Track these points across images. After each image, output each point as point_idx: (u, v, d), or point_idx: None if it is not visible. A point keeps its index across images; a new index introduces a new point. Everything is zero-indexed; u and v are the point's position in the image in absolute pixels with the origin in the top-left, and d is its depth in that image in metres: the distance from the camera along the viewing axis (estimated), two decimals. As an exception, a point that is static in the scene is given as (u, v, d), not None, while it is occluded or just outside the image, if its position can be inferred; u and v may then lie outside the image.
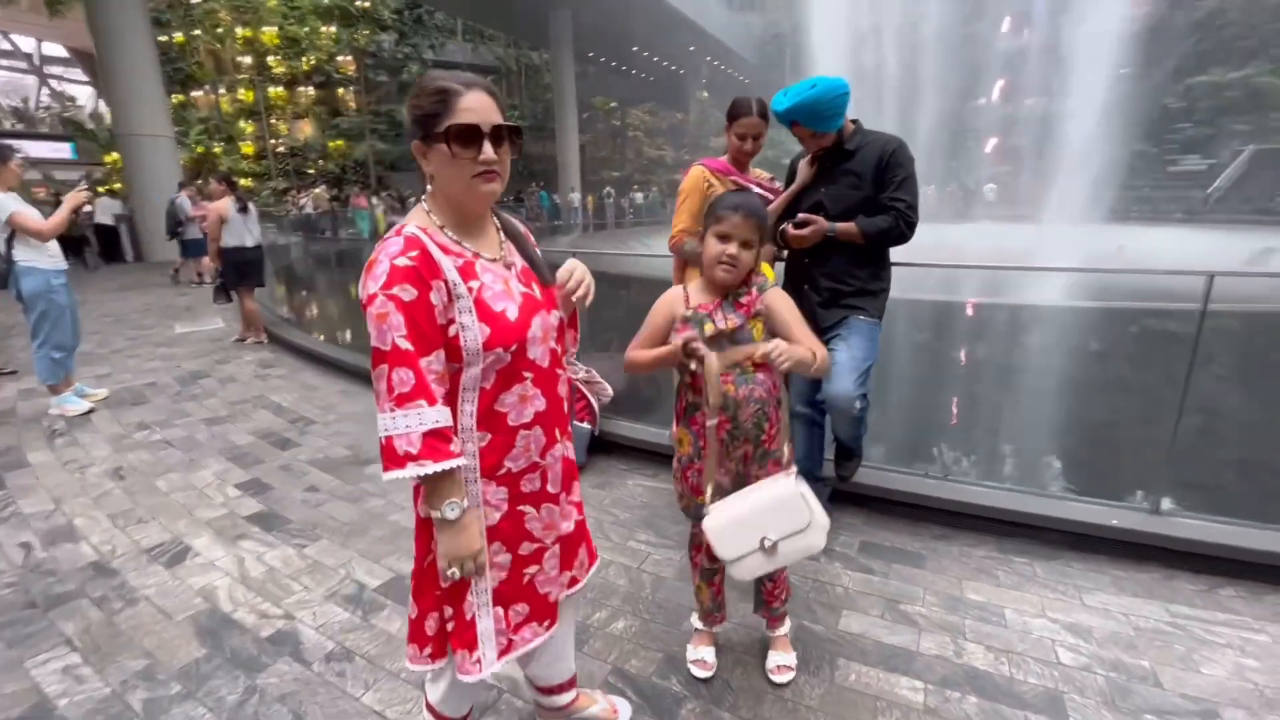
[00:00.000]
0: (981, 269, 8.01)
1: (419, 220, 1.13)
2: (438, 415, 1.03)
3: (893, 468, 2.85)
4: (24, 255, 3.94)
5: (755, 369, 1.65)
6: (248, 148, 24.79)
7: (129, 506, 2.95)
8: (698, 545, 1.84)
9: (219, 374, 5.21)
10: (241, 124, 25.13)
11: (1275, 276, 4.87)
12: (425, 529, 1.20)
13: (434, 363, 1.06)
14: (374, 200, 18.53)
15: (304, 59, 25.39)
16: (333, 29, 25.04)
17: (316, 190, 22.85)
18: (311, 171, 26.30)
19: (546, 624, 1.29)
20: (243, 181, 19.02)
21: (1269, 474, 3.37)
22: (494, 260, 1.17)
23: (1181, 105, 22.31)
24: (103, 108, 24.46)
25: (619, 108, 39.23)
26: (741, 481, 1.74)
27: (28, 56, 32.88)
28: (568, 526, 1.34)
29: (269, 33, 24.30)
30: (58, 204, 4.69)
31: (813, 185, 2.45)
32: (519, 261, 1.23)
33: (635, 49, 32.97)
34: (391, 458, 1.03)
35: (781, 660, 1.84)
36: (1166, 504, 2.40)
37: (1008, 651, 1.91)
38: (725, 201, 1.63)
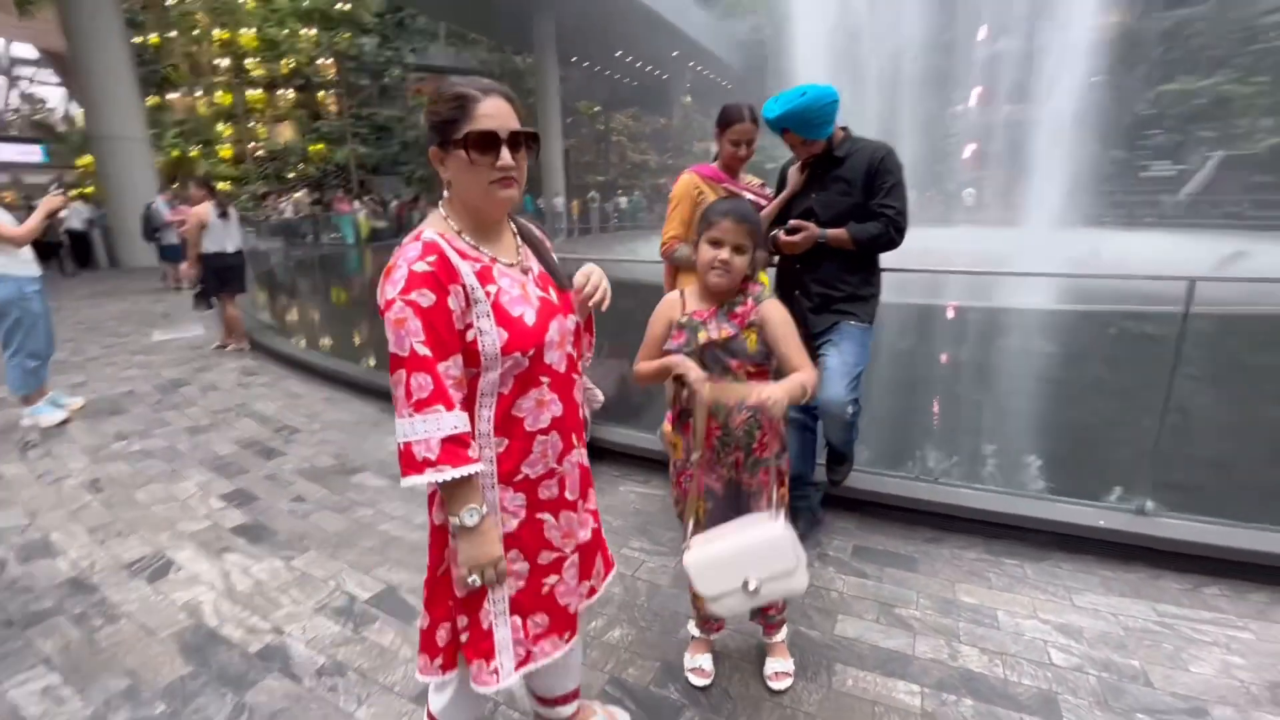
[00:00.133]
0: (970, 274, 8.13)
1: (436, 225, 1.13)
2: (456, 420, 1.03)
3: (884, 471, 2.87)
4: (-4, 262, 3.83)
5: (749, 377, 1.65)
6: (225, 151, 24.41)
7: (108, 520, 2.88)
8: None
9: (200, 382, 5.11)
10: (219, 127, 24.75)
11: (1255, 282, 4.99)
12: (439, 537, 1.19)
13: (452, 368, 1.05)
14: (356, 204, 18.32)
15: (283, 62, 25.08)
16: (312, 32, 24.77)
17: (297, 194, 22.54)
18: (291, 175, 25.95)
19: (567, 636, 1.28)
20: (221, 185, 18.74)
21: (1248, 474, 3.45)
22: (511, 265, 1.17)
23: (1152, 112, 22.86)
24: (75, 110, 23.95)
25: (603, 112, 39.27)
26: (734, 487, 1.75)
27: (-4, 57, 32.07)
28: (585, 535, 1.33)
29: (247, 35, 23.99)
30: (29, 210, 4.57)
31: (803, 192, 2.47)
32: (536, 266, 1.23)
33: (619, 53, 33.03)
34: (410, 463, 1.02)
35: (779, 667, 1.84)
36: (1151, 505, 2.45)
37: (1001, 653, 1.93)
38: (717, 208, 1.64)
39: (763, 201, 2.58)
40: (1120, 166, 22.56)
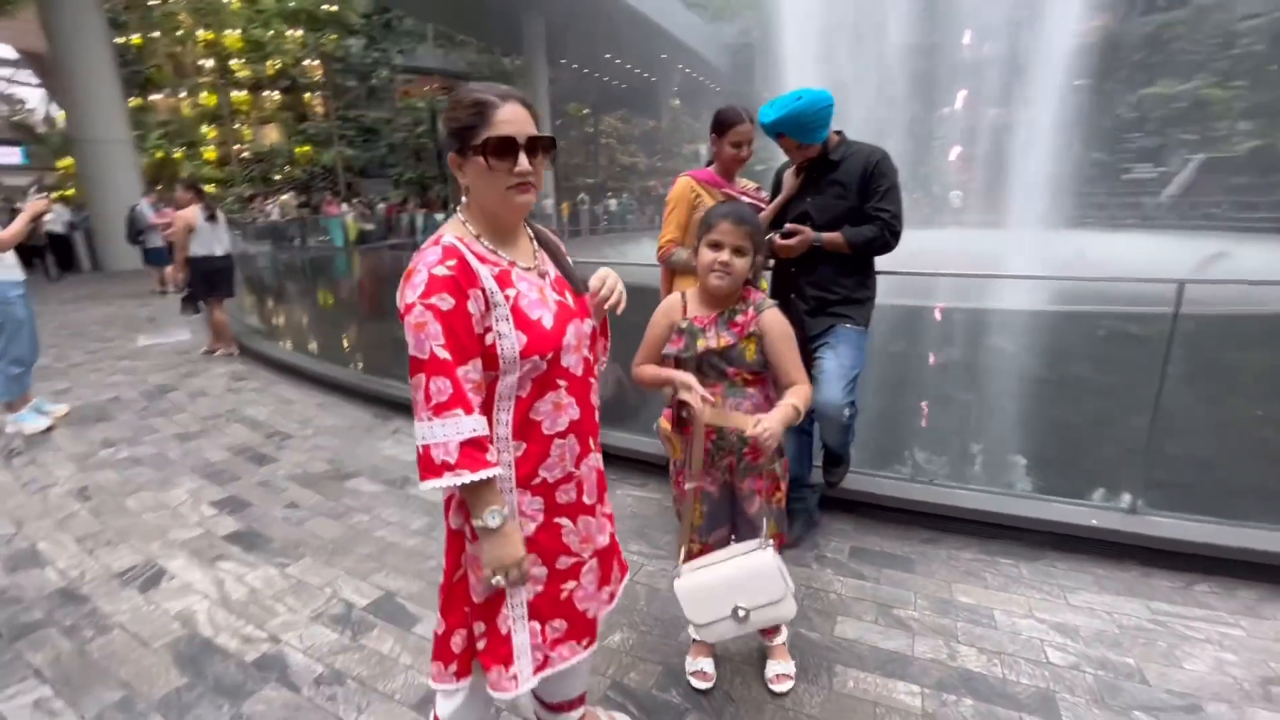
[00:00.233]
0: (966, 277, 8.18)
1: (455, 230, 1.14)
2: (475, 424, 1.03)
3: (880, 473, 2.89)
4: (-21, 266, 3.77)
5: (746, 384, 1.66)
6: (210, 153, 24.14)
7: (97, 528, 2.83)
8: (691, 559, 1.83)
9: (188, 388, 5.05)
10: (203, 129, 24.47)
11: (1243, 284, 5.07)
12: (455, 542, 1.20)
13: (471, 372, 1.06)
14: (344, 207, 18.18)
15: (269, 63, 24.85)
16: (298, 33, 24.56)
17: (284, 197, 22.32)
18: (278, 178, 25.72)
19: (585, 642, 1.28)
20: (206, 188, 18.51)
21: (1235, 472, 3.51)
22: (529, 269, 1.18)
23: (1134, 116, 23.21)
24: (55, 111, 23.59)
25: (592, 114, 39.31)
26: (728, 490, 1.76)
27: (-27, 58, 31.52)
28: (604, 540, 1.34)
29: (232, 36, 23.74)
30: (11, 213, 4.49)
31: (799, 196, 2.49)
32: (552, 270, 1.24)
33: (608, 56, 33.05)
34: (429, 467, 1.03)
35: (780, 669, 1.85)
36: (1142, 503, 2.48)
37: (999, 653, 1.95)
38: (717, 211, 1.65)
39: (759, 205, 2.59)
40: (1103, 169, 22.89)
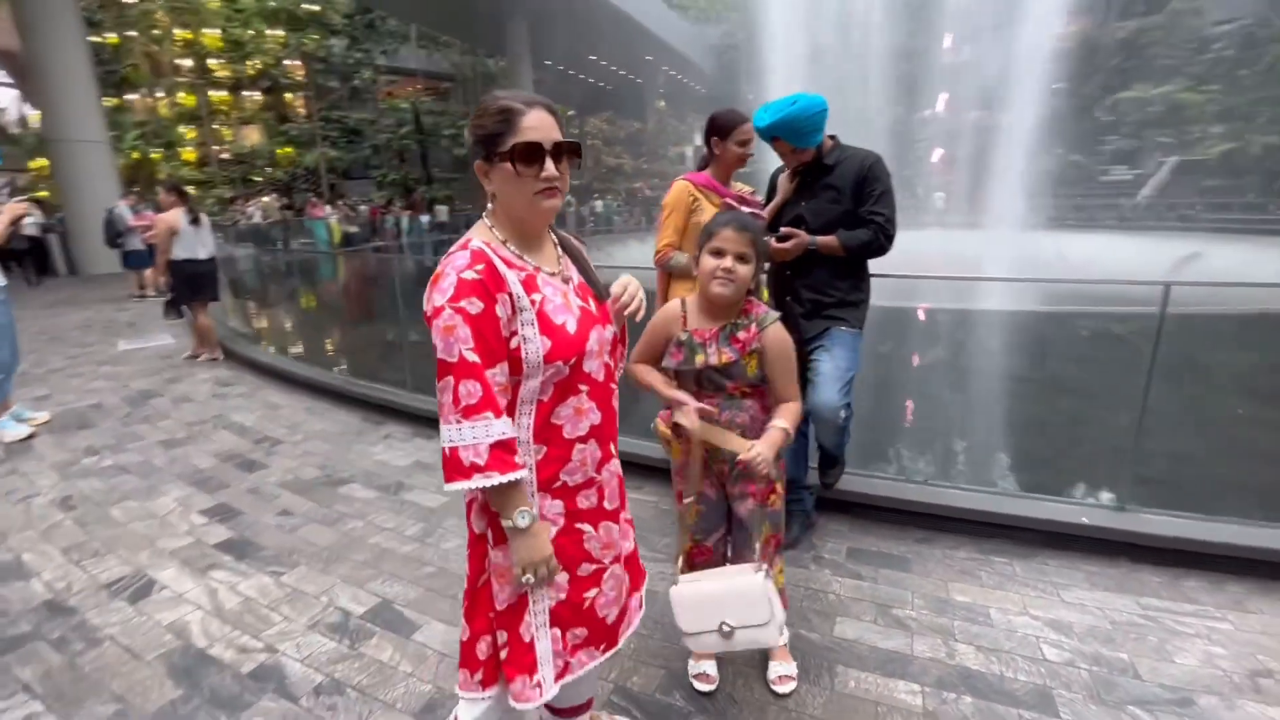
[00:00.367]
0: (958, 280, 8.27)
1: (482, 235, 1.15)
2: (504, 427, 1.05)
3: (874, 473, 2.92)
4: (-44, 271, 3.68)
5: (744, 396, 1.67)
6: (189, 154, 23.76)
7: (83, 539, 2.77)
8: (690, 558, 1.85)
9: (172, 393, 4.96)
10: (181, 129, 24.07)
11: (1228, 286, 5.20)
12: (478, 548, 1.19)
13: (498, 375, 1.07)
14: (329, 209, 17.96)
15: (249, 63, 24.52)
16: (279, 33, 24.27)
17: (265, 199, 22.02)
18: (259, 179, 25.37)
19: (603, 648, 1.28)
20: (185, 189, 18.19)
21: (1220, 469, 3.59)
22: (553, 274, 1.19)
23: (1110, 119, 23.69)
24: (29, 111, 23.06)
25: (577, 116, 39.24)
26: (723, 492, 1.78)
27: (-58, 56, 30.72)
28: (628, 545, 1.35)
29: (210, 35, 23.40)
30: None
31: (793, 199, 2.51)
32: (575, 276, 1.25)
33: (593, 57, 33.03)
34: (456, 469, 1.04)
35: (782, 670, 1.86)
36: (1130, 501, 2.53)
37: (996, 650, 1.97)
38: (718, 219, 1.66)
39: (757, 212, 2.60)
40: (1080, 171, 23.32)
